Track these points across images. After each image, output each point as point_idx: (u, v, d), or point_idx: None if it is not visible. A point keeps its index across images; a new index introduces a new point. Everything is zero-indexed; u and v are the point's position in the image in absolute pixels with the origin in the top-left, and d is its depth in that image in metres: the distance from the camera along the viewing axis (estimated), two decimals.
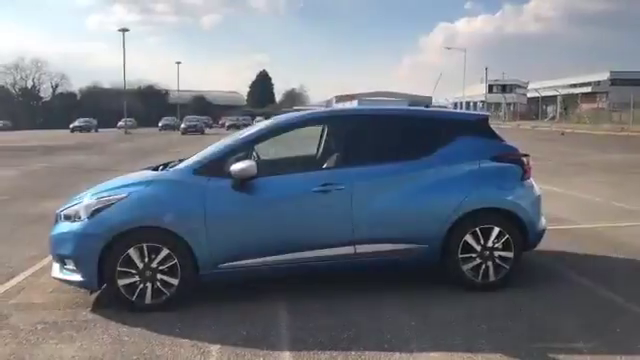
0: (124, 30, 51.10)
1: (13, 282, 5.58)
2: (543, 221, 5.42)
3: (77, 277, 4.75)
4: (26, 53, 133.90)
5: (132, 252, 4.64)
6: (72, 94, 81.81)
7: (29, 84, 78.63)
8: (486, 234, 5.04)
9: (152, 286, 4.70)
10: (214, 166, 4.84)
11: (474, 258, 5.04)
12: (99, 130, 59.44)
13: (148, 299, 4.71)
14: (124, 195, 4.78)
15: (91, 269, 4.65)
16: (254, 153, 5.52)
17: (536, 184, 5.42)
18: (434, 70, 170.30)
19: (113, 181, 5.18)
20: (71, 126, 56.73)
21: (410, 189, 4.98)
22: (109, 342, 4.13)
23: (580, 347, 3.90)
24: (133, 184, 4.93)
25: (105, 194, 4.86)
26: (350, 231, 4.87)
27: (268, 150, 5.54)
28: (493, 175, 5.12)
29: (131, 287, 4.68)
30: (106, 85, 79.67)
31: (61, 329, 4.38)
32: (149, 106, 75.84)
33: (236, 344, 4.06)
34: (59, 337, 4.23)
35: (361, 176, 4.92)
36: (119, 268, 4.64)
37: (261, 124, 5.41)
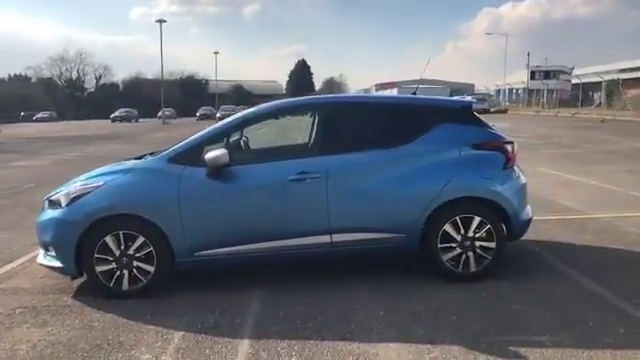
0: (161, 21, 52.04)
1: (8, 267, 5.76)
2: (529, 210, 5.25)
3: (58, 263, 4.86)
4: (72, 45, 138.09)
5: (109, 239, 4.72)
6: (115, 85, 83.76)
7: (74, 75, 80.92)
8: (466, 224, 4.92)
9: (129, 273, 4.77)
10: (190, 155, 4.87)
11: (454, 248, 4.94)
12: (140, 120, 60.67)
13: (125, 286, 4.78)
14: (101, 183, 4.86)
15: (69, 255, 4.75)
16: (242, 140, 5.54)
17: (521, 172, 5.25)
18: (476, 57, 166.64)
19: (96, 170, 5.26)
20: (112, 116, 58.12)
21: (387, 177, 4.90)
22: (78, 327, 4.22)
23: (544, 340, 3.77)
24: (111, 172, 5.01)
25: (84, 182, 4.95)
26: (326, 220, 4.83)
27: (257, 138, 5.54)
28: (473, 163, 4.98)
29: (109, 274, 4.76)
30: (148, 76, 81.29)
31: (38, 314, 4.50)
32: (189, 96, 77.01)
33: (200, 331, 4.10)
34: (33, 321, 4.35)
35: (336, 165, 4.86)
36: (96, 255, 4.72)
37: (239, 114, 5.39)
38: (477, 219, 4.92)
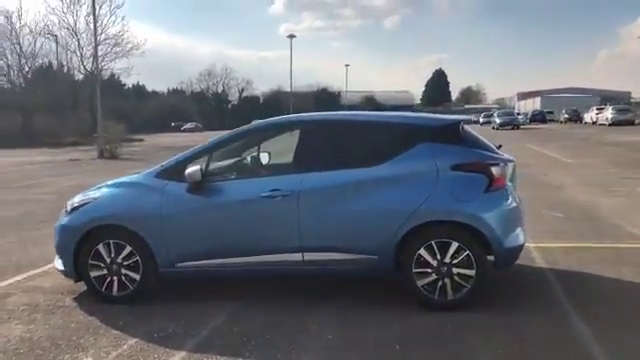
0: (291, 36, 54.63)
1: (45, 267, 6.41)
2: (518, 237, 4.81)
3: (61, 267, 5.36)
4: (226, 60, 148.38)
5: (101, 247, 5.11)
6: (256, 97, 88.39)
7: (219, 89, 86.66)
8: (443, 249, 4.65)
9: (118, 280, 5.13)
10: (173, 170, 5.12)
11: (430, 273, 4.69)
12: None
13: (115, 291, 5.14)
14: (98, 195, 5.30)
15: (69, 260, 5.22)
16: (249, 158, 5.71)
17: (514, 195, 4.85)
18: (633, 63, 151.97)
19: (103, 183, 5.72)
20: None
21: (359, 197, 4.78)
22: (57, 327, 4.62)
23: None
24: (108, 186, 5.42)
25: (85, 193, 5.43)
26: (298, 238, 4.83)
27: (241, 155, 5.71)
28: (450, 185, 4.68)
29: (101, 279, 5.15)
30: (288, 89, 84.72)
31: (34, 312, 5.00)
32: (322, 107, 78.98)
33: (152, 340, 4.30)
34: (25, 318, 4.84)
35: (309, 183, 4.84)
36: (90, 261, 5.14)
37: (224, 133, 5.53)
38: (455, 244, 4.63)
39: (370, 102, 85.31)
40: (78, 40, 41.33)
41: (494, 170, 4.72)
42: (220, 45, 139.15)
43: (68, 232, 5.24)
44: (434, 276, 4.68)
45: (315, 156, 5.02)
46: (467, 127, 5.37)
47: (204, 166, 5.03)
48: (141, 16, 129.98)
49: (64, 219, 5.34)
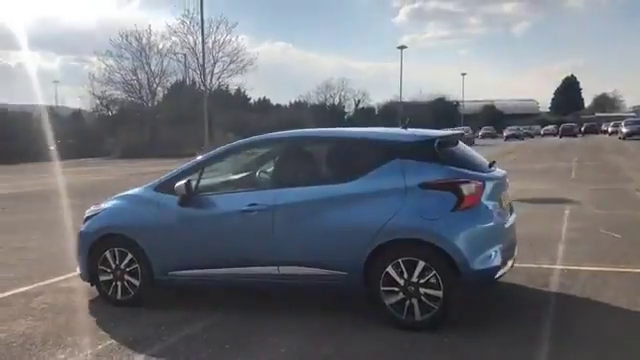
0: (402, 47, 54.14)
1: None
2: (492, 259, 4.55)
3: (78, 270, 5.90)
4: (343, 72, 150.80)
5: (107, 254, 5.57)
6: (371, 109, 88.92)
7: (336, 101, 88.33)
8: (410, 268, 4.54)
9: (122, 285, 5.56)
10: (168, 184, 5.45)
11: (397, 292, 4.59)
12: None
13: (119, 295, 5.57)
14: (107, 206, 5.79)
15: (83, 264, 5.75)
16: (258, 174, 5.89)
17: (490, 214, 4.61)
18: None
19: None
20: None
21: (330, 213, 4.81)
22: (58, 325, 5.08)
23: None
24: (116, 198, 5.89)
25: (98, 204, 5.94)
26: (273, 251, 4.97)
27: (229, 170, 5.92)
28: (418, 203, 4.57)
29: (108, 283, 5.61)
30: (405, 99, 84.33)
31: (49, 310, 5.53)
32: (439, 117, 77.58)
33: (124, 343, 4.60)
34: (38, 316, 5.37)
35: (283, 198, 4.96)
36: (100, 266, 5.62)
37: (217, 149, 5.76)
38: (421, 264, 4.50)
39: (489, 111, 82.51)
40: (197, 59, 44.26)
41: (464, 188, 4.53)
42: (343, 58, 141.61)
43: (82, 239, 5.77)
44: (401, 295, 4.58)
45: (292, 172, 5.14)
46: (459, 142, 5.22)
47: (193, 180, 5.32)
48: (273, 34, 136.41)
49: (81, 227, 5.89)
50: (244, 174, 5.80)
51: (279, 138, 5.60)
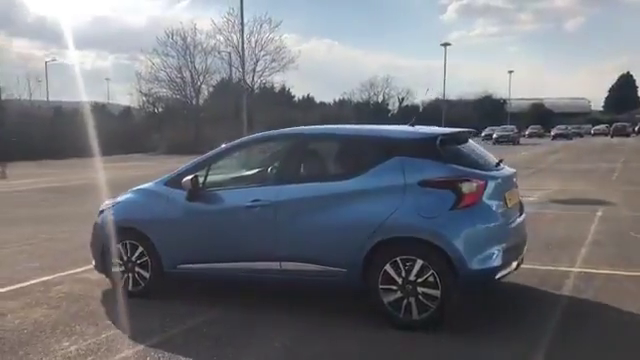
0: (446, 45, 53.25)
1: None
2: (492, 259, 4.45)
3: (93, 262, 6.07)
4: (389, 70, 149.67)
5: (120, 247, 5.72)
6: (415, 106, 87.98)
7: (380, 99, 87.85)
8: (408, 266, 4.49)
9: (133, 276, 5.70)
10: (178, 179, 5.54)
11: (395, 291, 4.55)
12: None
13: (130, 286, 5.71)
14: (120, 200, 5.93)
15: (97, 256, 5.92)
16: (261, 171, 5.90)
17: (493, 213, 4.51)
18: None
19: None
20: None
21: (330, 210, 4.80)
22: (69, 313, 5.24)
23: None
24: (130, 192, 6.02)
25: (113, 198, 6.09)
26: (275, 247, 5.00)
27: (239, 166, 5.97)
28: (417, 201, 4.51)
29: (120, 275, 5.77)
30: (450, 97, 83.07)
31: (65, 299, 5.70)
32: (485, 116, 76.16)
33: (126, 332, 4.73)
34: (54, 304, 5.54)
35: (285, 194, 4.98)
36: (113, 259, 5.78)
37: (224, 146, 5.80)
38: (419, 262, 4.45)
39: (537, 110, 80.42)
40: (239, 57, 44.71)
41: (464, 187, 4.45)
42: (389, 55, 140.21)
43: (96, 232, 5.94)
44: (399, 294, 4.54)
45: (294, 169, 5.15)
46: (468, 140, 5.14)
47: (201, 176, 5.40)
48: (321, 32, 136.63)
49: (96, 219, 6.06)
50: (249, 170, 5.84)
51: (282, 135, 5.62)
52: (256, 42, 46.13)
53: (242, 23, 33.45)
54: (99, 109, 52.15)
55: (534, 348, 4.15)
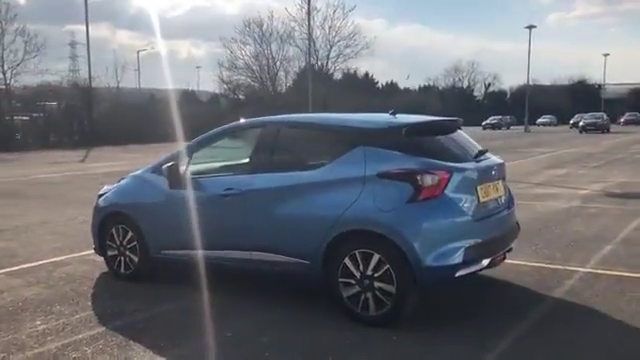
0: (531, 27, 50.53)
1: None
2: (451, 256, 4.15)
3: (93, 245, 6.30)
4: (480, 55, 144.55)
5: (113, 231, 5.90)
6: (502, 92, 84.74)
7: (464, 84, 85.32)
8: (366, 260, 4.31)
9: (124, 260, 5.86)
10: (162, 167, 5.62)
11: (353, 285, 4.38)
12: (511, 128, 60.23)
13: (122, 270, 5.89)
14: (114, 185, 6.10)
15: (95, 239, 6.14)
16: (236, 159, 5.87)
17: (456, 207, 4.21)
18: None
19: None
20: (483, 123, 59.34)
21: (295, 200, 4.69)
22: (59, 293, 5.44)
23: None
24: (124, 178, 6.16)
25: (111, 184, 6.27)
26: (245, 236, 4.96)
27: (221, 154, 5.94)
28: (375, 193, 4.29)
29: (113, 258, 5.95)
30: (546, 82, 79.11)
31: (62, 280, 5.93)
32: (578, 102, 72.05)
33: (97, 314, 4.87)
34: (51, 284, 5.76)
35: (253, 183, 4.91)
36: (107, 242, 5.97)
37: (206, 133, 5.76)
38: (376, 256, 4.25)
39: (637, 95, 74.95)
40: (313, 43, 44.88)
41: (422, 179, 4.18)
42: (481, 39, 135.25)
43: (94, 215, 6.15)
44: (357, 288, 4.37)
45: (264, 158, 5.07)
46: (455, 130, 4.86)
47: (183, 164, 5.43)
48: (412, 17, 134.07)
49: (95, 204, 6.27)
50: (226, 159, 5.82)
51: (255, 123, 5.53)
52: (329, 28, 46.02)
53: (309, 6, 33.25)
54: (189, 95, 54.17)
55: (489, 350, 3.86)
